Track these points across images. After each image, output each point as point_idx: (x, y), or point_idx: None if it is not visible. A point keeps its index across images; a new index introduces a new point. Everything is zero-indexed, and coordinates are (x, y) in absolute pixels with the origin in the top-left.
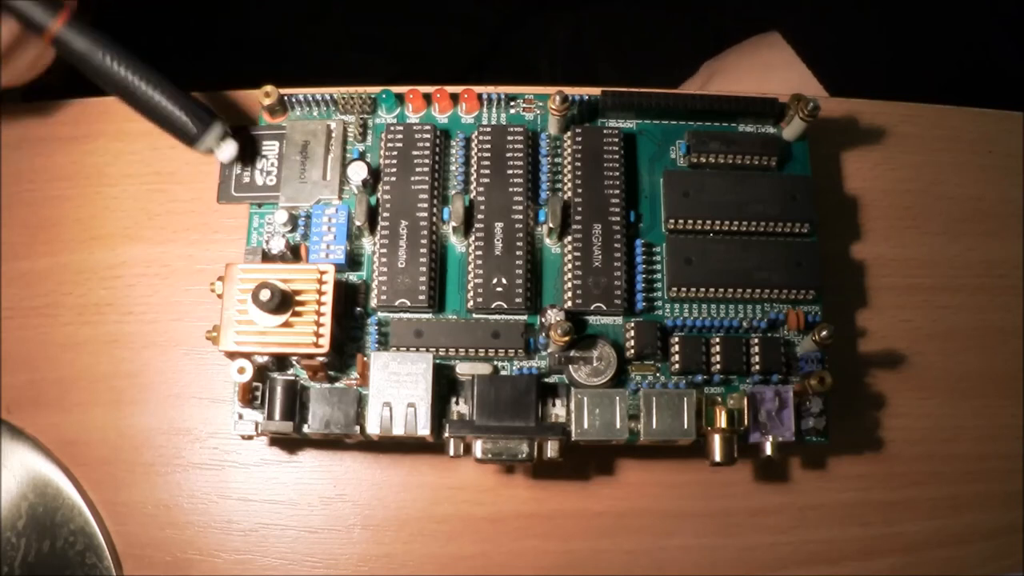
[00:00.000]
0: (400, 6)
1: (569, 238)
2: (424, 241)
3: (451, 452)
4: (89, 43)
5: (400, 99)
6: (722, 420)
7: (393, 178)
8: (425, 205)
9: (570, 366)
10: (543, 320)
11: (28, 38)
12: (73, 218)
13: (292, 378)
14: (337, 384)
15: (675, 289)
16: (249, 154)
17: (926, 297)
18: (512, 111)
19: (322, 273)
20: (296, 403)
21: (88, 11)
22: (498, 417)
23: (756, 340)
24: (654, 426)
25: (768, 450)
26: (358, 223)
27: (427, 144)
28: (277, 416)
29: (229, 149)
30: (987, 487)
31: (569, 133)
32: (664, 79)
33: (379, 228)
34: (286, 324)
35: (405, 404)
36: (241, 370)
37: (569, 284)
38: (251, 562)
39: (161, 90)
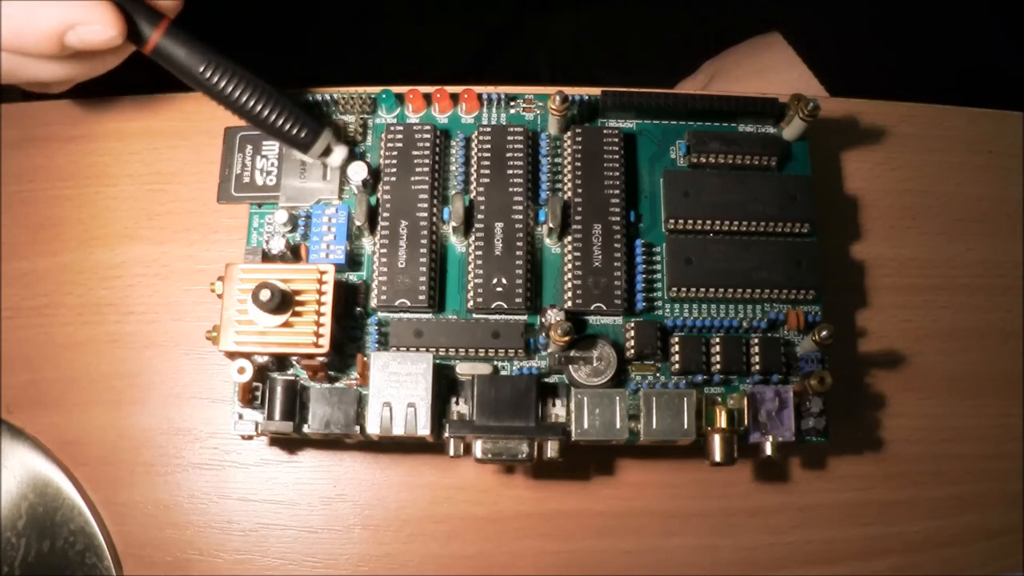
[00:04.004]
0: (400, 6)
1: (569, 238)
2: (424, 241)
3: (451, 452)
4: (188, 54)
5: (400, 99)
6: (722, 420)
7: (393, 178)
8: (425, 205)
9: (570, 366)
10: (543, 320)
11: (125, 45)
12: (73, 218)
13: (292, 378)
14: (337, 384)
15: (675, 289)
16: (356, 155)
17: (926, 297)
18: (512, 111)
19: (322, 273)
20: (296, 403)
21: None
22: (498, 417)
23: (756, 340)
24: (654, 426)
25: (768, 450)
26: (358, 223)
27: (427, 144)
28: (277, 416)
29: (340, 153)
30: (987, 487)
31: (569, 133)
32: (664, 79)
33: (379, 228)
34: (286, 324)
35: (405, 404)
36: (241, 370)
37: (569, 284)
38: (251, 562)
39: (266, 100)
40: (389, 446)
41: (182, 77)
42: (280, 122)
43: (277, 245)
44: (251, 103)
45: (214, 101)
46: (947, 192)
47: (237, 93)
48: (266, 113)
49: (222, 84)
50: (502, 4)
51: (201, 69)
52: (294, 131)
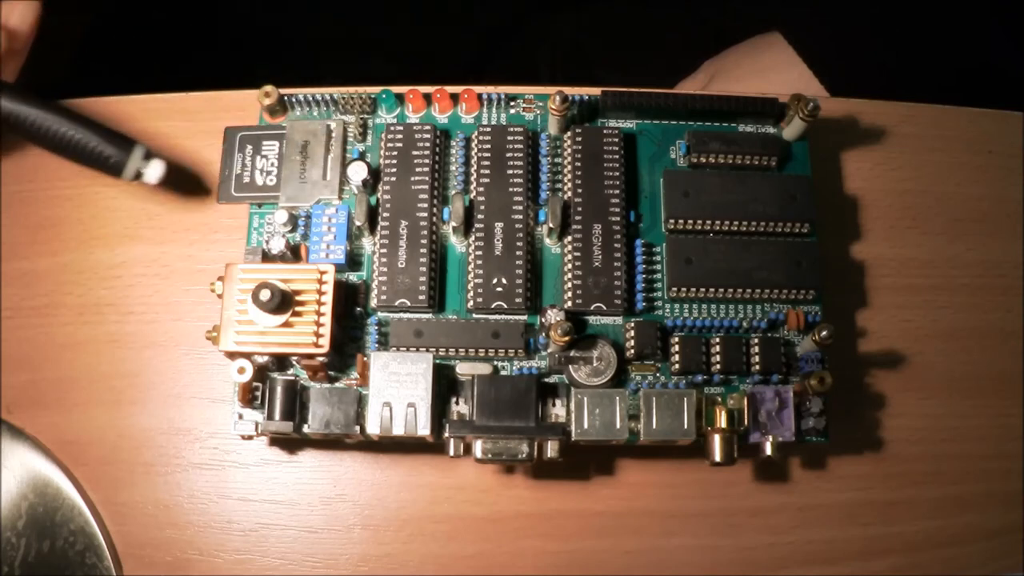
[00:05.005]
0: (400, 6)
1: (569, 238)
2: (424, 241)
3: (451, 452)
4: None
5: (400, 99)
6: (722, 420)
7: (393, 178)
8: (425, 205)
9: (570, 366)
10: (543, 320)
11: None
12: (73, 218)
13: (292, 378)
14: (337, 384)
15: (675, 289)
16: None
17: (926, 297)
18: (512, 111)
19: (322, 273)
20: (296, 403)
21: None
22: (498, 417)
23: (756, 340)
24: (654, 426)
25: (768, 450)
26: (358, 223)
27: (427, 144)
28: (277, 416)
29: (156, 169)
30: (987, 487)
31: (569, 133)
32: (664, 79)
33: (379, 228)
34: (286, 324)
35: (405, 404)
36: (241, 370)
37: (569, 284)
38: (251, 562)
39: (70, 129)
40: (389, 446)
41: None
42: (89, 146)
43: (277, 245)
44: (54, 134)
45: (24, 139)
46: (947, 192)
47: (37, 125)
48: (69, 139)
49: (24, 121)
50: (502, 4)
51: None
52: (104, 154)
